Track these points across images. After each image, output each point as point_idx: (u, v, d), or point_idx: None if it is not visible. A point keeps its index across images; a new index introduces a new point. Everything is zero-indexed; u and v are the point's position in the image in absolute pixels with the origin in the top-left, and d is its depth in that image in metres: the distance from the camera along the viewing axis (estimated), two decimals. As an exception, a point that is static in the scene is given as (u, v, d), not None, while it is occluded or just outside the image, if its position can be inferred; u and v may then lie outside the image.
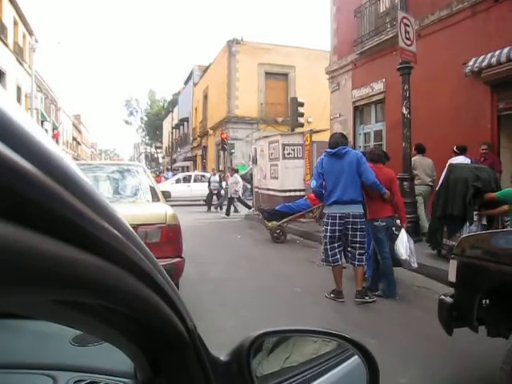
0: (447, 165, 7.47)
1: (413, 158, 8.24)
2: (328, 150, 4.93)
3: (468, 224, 5.83)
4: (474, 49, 8.42)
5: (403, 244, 4.85)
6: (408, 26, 7.83)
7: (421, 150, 8.32)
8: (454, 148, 7.80)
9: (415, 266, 5.03)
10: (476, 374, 3.17)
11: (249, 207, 14.62)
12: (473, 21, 8.66)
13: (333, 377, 0.94)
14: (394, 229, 5.24)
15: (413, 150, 8.30)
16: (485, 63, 7.95)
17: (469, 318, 2.59)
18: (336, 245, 4.79)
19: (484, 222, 5.85)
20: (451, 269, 2.74)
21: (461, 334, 2.95)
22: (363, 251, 4.81)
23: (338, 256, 4.81)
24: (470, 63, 8.37)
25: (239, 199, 14.95)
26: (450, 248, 6.05)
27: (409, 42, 7.77)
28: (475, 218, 5.80)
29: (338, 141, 4.91)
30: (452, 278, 2.73)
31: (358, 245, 4.77)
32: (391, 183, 5.07)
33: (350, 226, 4.73)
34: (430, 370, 3.17)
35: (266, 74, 25.93)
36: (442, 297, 2.84)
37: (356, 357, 0.90)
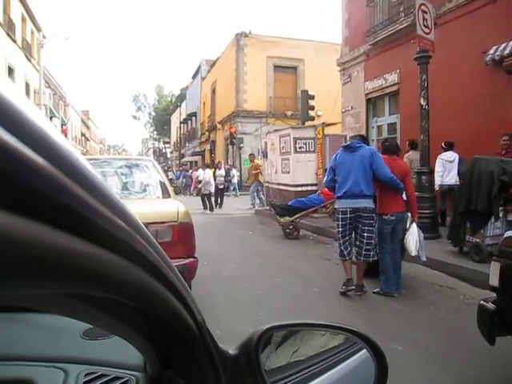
0: (439, 157, 8.14)
1: (406, 155, 8.63)
2: (343, 144, 5.10)
3: (493, 220, 5.56)
4: (495, 37, 8.08)
5: (413, 239, 4.78)
6: (426, 13, 7.52)
7: (414, 145, 8.68)
8: (442, 144, 8.20)
9: (424, 259, 5.07)
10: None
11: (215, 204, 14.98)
12: (493, 7, 8.31)
13: (341, 370, 0.95)
14: (408, 225, 5.04)
15: (406, 147, 8.68)
16: (507, 51, 7.62)
17: (515, 327, 2.33)
18: (347, 238, 4.86)
19: (510, 217, 5.57)
20: (493, 272, 2.49)
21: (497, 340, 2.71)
22: (370, 247, 4.79)
23: (350, 249, 4.88)
24: (491, 52, 8.04)
25: (208, 196, 14.80)
26: (473, 245, 5.80)
27: (427, 30, 7.46)
28: (501, 213, 5.53)
29: (360, 136, 5.11)
30: (494, 282, 2.47)
31: (365, 240, 4.77)
32: (405, 176, 4.94)
33: (360, 220, 4.75)
34: (461, 378, 2.94)
35: (275, 67, 25.63)
36: (483, 302, 2.58)
37: (364, 351, 0.89)
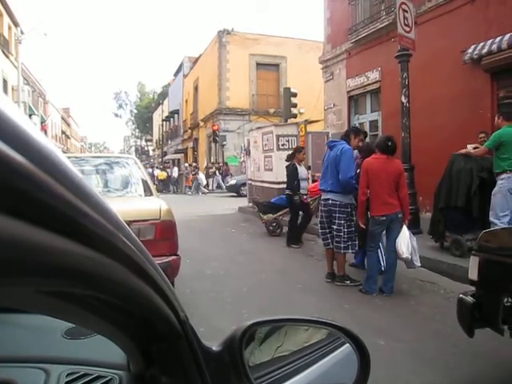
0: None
1: None
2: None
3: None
4: (474, 36, 8.22)
5: (405, 242, 4.62)
6: (406, 11, 7.59)
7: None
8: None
9: (418, 264, 4.81)
10: (492, 376, 2.99)
11: None
12: (472, 7, 8.44)
13: (324, 365, 0.96)
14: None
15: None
16: (485, 50, 7.76)
17: (493, 319, 2.38)
18: (327, 230, 5.25)
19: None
20: (472, 266, 2.53)
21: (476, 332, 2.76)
22: (339, 239, 5.06)
23: (329, 240, 5.23)
24: (470, 50, 8.17)
25: None
26: (453, 240, 5.89)
27: (408, 29, 7.54)
28: None
29: (344, 134, 5.49)
30: (473, 275, 2.52)
31: (335, 232, 5.11)
32: (399, 176, 4.82)
33: (332, 214, 5.11)
34: (443, 371, 2.99)
35: (258, 64, 25.61)
36: (462, 296, 2.62)
37: (347, 345, 0.90)
